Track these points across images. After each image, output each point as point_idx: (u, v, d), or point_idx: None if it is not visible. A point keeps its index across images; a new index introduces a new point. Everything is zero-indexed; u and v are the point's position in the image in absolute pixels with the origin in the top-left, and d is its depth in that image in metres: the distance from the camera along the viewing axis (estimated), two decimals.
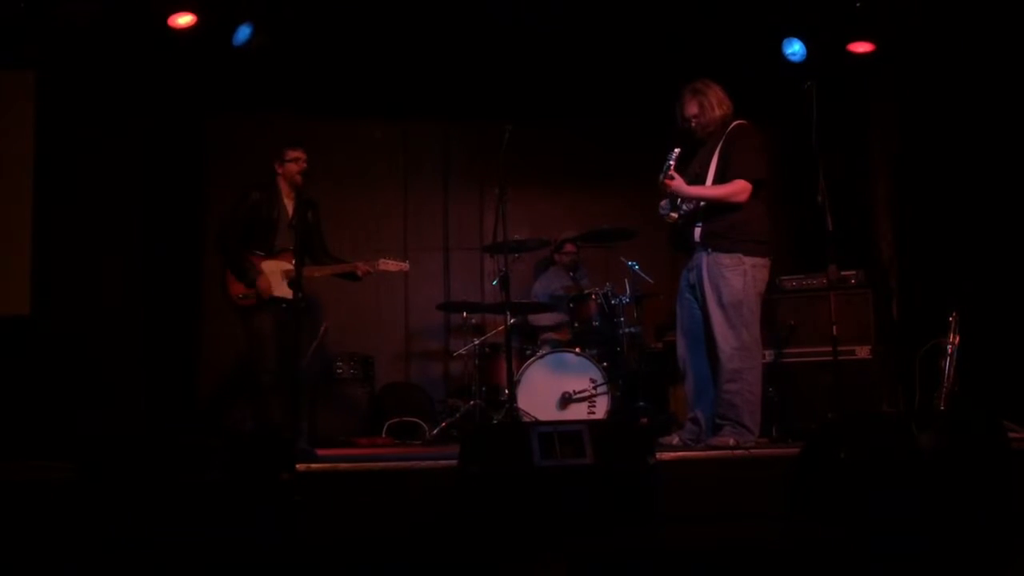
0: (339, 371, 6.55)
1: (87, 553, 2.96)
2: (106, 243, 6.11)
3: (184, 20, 5.65)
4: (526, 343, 6.42)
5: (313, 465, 3.79)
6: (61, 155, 5.94)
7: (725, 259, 4.48)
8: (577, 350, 5.89)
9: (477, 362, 6.16)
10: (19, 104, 5.91)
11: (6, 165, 5.90)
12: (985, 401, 5.24)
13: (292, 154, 5.15)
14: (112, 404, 5.67)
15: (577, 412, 5.73)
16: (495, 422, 5.63)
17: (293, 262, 4.91)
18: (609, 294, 6.01)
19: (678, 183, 4.47)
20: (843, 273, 5.41)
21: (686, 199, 4.60)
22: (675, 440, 4.65)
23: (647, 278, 6.13)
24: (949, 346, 5.24)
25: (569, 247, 6.70)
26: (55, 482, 3.30)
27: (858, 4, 5.84)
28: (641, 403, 5.85)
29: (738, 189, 4.47)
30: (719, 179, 4.54)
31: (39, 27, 5.60)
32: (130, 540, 2.99)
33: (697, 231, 4.58)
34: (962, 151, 5.96)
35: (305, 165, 5.14)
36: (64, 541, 3.04)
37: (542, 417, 5.53)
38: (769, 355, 5.40)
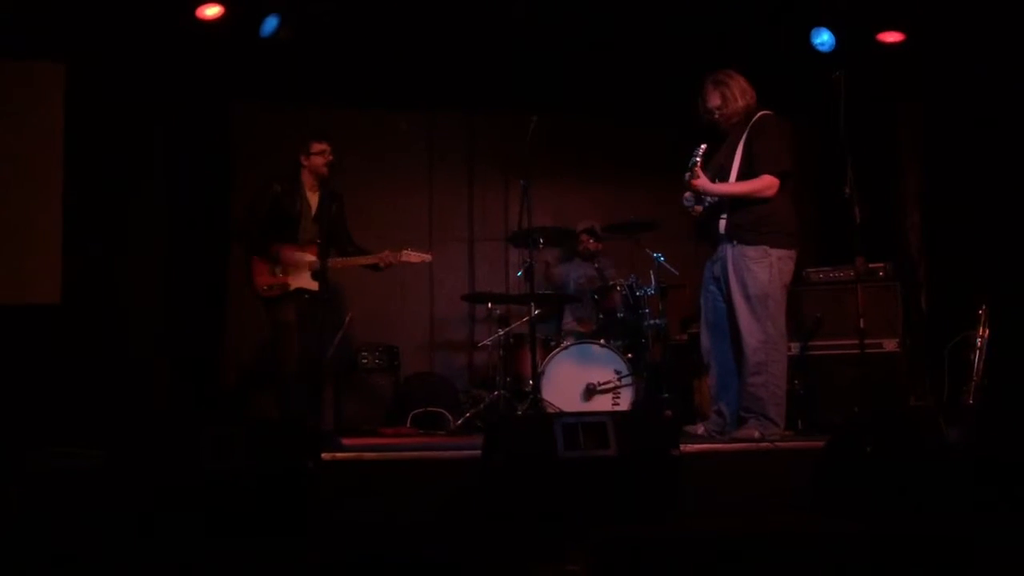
0: (364, 361, 6.57)
1: (115, 539, 3.00)
2: (134, 232, 6.17)
3: (212, 12, 5.69)
4: (551, 334, 6.42)
5: (339, 454, 3.81)
6: (90, 146, 6.00)
7: (751, 251, 4.45)
8: (601, 341, 5.88)
9: (501, 353, 6.16)
10: (49, 96, 5.97)
11: (37, 156, 5.97)
12: (1015, 395, 5.18)
13: (317, 147, 5.18)
14: (139, 392, 5.73)
15: (601, 404, 5.72)
16: (519, 413, 5.63)
17: (317, 254, 4.94)
18: (634, 285, 5.99)
19: (703, 182, 4.44)
20: (871, 265, 5.36)
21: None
22: (700, 430, 4.64)
23: (672, 270, 6.11)
24: (978, 339, 5.18)
25: (584, 237, 6.68)
26: (84, 469, 3.34)
27: None
28: (665, 395, 5.82)
29: (766, 184, 4.44)
30: (744, 171, 4.51)
31: (70, 19, 5.66)
32: (156, 526, 3.03)
33: (722, 223, 4.56)
34: (992, 142, 5.88)
35: (331, 157, 5.16)
36: (92, 527, 3.08)
37: (566, 408, 5.51)
38: (795, 348, 5.37)
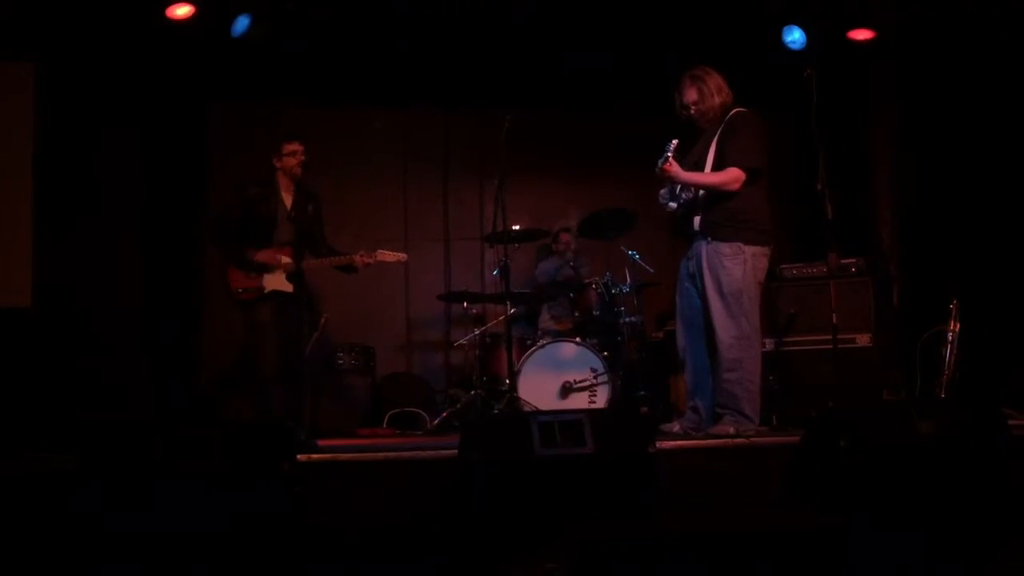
0: (340, 362, 6.56)
1: (90, 544, 2.97)
2: (107, 234, 6.12)
3: (182, 11, 5.65)
4: (527, 332, 6.42)
5: (314, 455, 3.80)
6: (61, 147, 5.94)
7: (725, 248, 4.47)
8: (578, 340, 5.89)
9: (478, 352, 6.17)
10: (19, 96, 5.91)
11: (6, 157, 5.90)
12: (985, 388, 5.24)
13: (289, 147, 5.15)
14: (114, 395, 5.69)
15: (578, 402, 5.73)
16: (496, 412, 5.64)
17: (292, 256, 4.92)
18: (609, 283, 6.01)
19: (675, 168, 4.45)
20: (843, 261, 5.41)
21: (685, 187, 4.60)
22: (676, 427, 4.66)
23: (647, 267, 6.13)
24: (950, 333, 5.24)
25: (564, 236, 6.70)
26: (58, 474, 3.31)
27: None
28: (642, 392, 5.85)
29: (731, 178, 4.46)
30: (717, 167, 4.54)
31: (38, 18, 5.60)
32: (132, 529, 3.00)
33: (697, 220, 4.58)
34: (963, 138, 5.95)
35: (303, 157, 5.13)
36: (67, 532, 3.05)
37: (543, 407, 5.52)
38: (769, 343, 5.41)
